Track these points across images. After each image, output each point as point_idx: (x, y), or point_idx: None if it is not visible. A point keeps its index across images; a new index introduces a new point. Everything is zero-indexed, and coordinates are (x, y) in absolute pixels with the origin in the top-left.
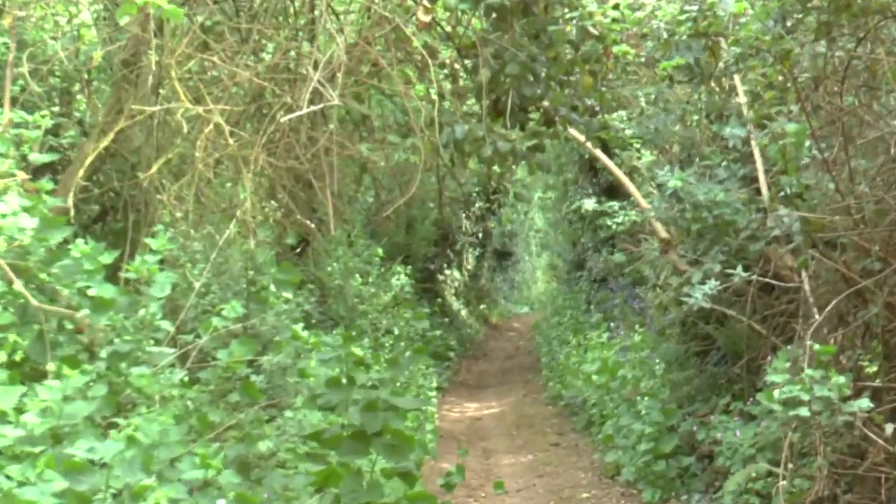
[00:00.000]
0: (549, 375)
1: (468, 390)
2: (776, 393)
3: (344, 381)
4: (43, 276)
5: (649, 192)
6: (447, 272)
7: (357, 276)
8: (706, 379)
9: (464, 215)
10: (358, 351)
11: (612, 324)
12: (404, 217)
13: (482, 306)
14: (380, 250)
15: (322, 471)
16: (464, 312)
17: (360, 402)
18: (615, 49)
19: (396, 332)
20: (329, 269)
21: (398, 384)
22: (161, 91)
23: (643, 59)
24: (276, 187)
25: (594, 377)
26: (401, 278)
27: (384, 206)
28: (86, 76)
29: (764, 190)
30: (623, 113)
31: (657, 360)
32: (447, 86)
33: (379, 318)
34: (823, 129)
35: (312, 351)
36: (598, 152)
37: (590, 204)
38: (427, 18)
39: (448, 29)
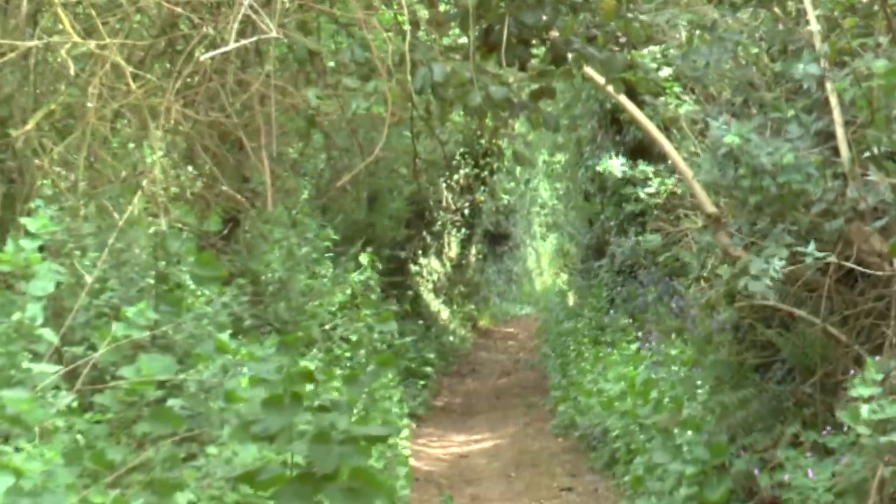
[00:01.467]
0: (559, 397)
1: (452, 418)
2: (863, 410)
3: (287, 402)
4: None
5: (692, 153)
6: (423, 261)
7: (303, 267)
8: (767, 401)
9: (445, 185)
10: (306, 364)
11: (641, 329)
12: (366, 188)
13: (470, 306)
14: (333, 233)
15: None
16: (445, 314)
17: (308, 432)
18: None
19: (355, 338)
20: (266, 258)
21: (359, 408)
22: (39, 21)
23: None
24: (194, 149)
25: (618, 400)
26: (362, 270)
27: (339, 174)
28: None
29: (843, 149)
30: (657, 48)
31: (702, 378)
32: (422, 11)
33: (332, 322)
34: None
35: (244, 365)
36: (624, 99)
37: (614, 167)
38: None
39: None
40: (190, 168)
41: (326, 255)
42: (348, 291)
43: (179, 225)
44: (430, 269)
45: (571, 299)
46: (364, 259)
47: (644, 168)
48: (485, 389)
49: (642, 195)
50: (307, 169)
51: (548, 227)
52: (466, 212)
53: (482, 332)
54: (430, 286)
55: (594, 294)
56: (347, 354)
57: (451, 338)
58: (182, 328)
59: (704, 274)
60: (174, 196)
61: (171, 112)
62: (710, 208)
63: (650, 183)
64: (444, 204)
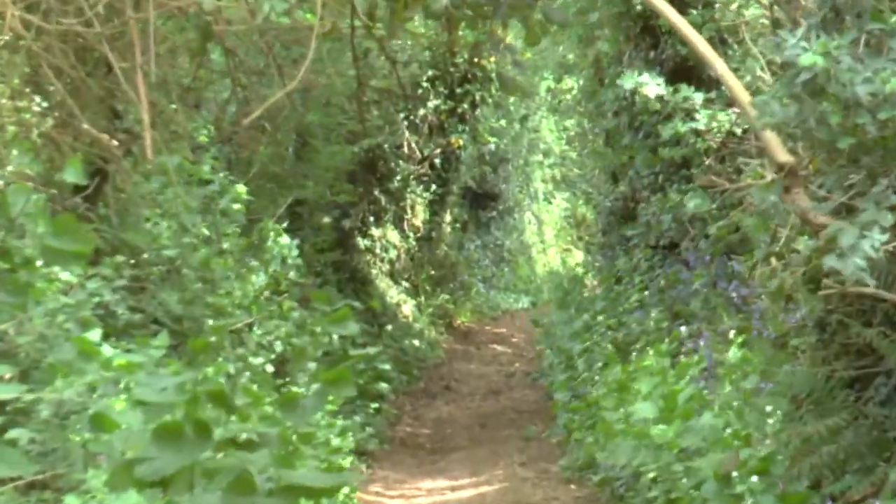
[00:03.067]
0: (571, 425)
1: (418, 456)
2: None
3: (189, 434)
4: None
5: (757, 78)
6: (375, 232)
7: (201, 240)
8: (866, 431)
9: (406, 125)
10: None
11: (685, 326)
12: (291, 129)
13: (443, 296)
14: (245, 192)
15: None
16: (408, 308)
17: (220, 478)
18: None
19: (279, 345)
20: (149, 227)
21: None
22: None
23: None
24: (41, 71)
25: (655, 428)
26: (286, 245)
27: (251, 108)
28: None
29: None
30: None
31: (772, 397)
32: None
33: (244, 319)
34: None
35: (122, 380)
36: (660, 1)
37: (647, 88)
38: None
39: None
40: (37, 99)
41: (235, 224)
42: (264, 277)
43: (23, 179)
44: (386, 243)
45: (588, 286)
46: (289, 231)
47: (689, 93)
48: (464, 415)
49: (687, 136)
50: (204, 101)
51: (554, 184)
52: (438, 162)
53: (461, 333)
54: (386, 268)
55: (620, 278)
56: (269, 366)
57: (416, 342)
58: (28, 328)
59: (775, 250)
60: (13, 138)
61: (7, 19)
62: (783, 156)
63: (698, 116)
64: (404, 151)
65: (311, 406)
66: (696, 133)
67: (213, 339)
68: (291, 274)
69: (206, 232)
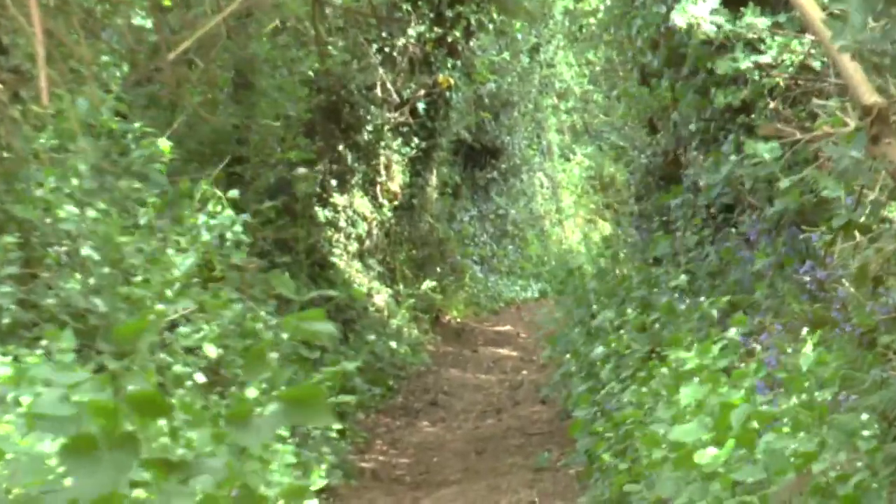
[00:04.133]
0: (595, 451)
1: (396, 493)
2: None
3: (108, 450)
4: None
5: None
6: (338, 200)
7: (115, 211)
8: None
9: (380, 59)
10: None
11: (747, 319)
12: (229, 65)
13: (428, 284)
14: (170, 147)
15: None
16: (381, 299)
17: None
18: None
19: (211, 349)
20: (41, 193)
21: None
22: None
23: None
24: None
25: (703, 454)
26: (226, 218)
27: (176, 38)
28: None
29: None
30: None
31: (859, 410)
32: None
33: (167, 314)
34: None
35: (8, 395)
36: None
37: (700, 16)
38: None
39: None
40: None
41: (156, 188)
42: (196, 257)
43: None
44: (353, 214)
45: (618, 269)
46: (226, 198)
47: (753, 19)
48: (455, 439)
49: (748, 72)
50: (115, 29)
51: (573, 136)
52: (421, 108)
53: (451, 331)
54: (353, 246)
55: (658, 257)
56: (198, 375)
57: (393, 343)
58: None
59: (860, 219)
60: None
61: None
62: (869, 96)
63: (765, 47)
64: (377, 94)
65: (268, 427)
66: (760, 68)
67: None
68: (229, 255)
69: (118, 200)
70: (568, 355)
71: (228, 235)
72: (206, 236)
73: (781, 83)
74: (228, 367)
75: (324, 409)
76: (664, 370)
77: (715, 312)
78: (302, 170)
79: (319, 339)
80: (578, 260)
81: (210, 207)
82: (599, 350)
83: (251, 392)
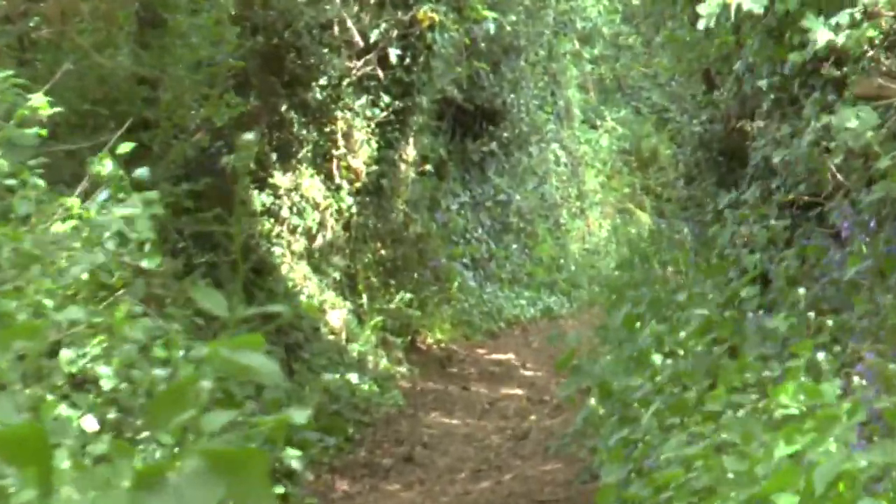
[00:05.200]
0: None
1: None
2: None
3: None
4: None
5: None
6: (281, 180)
7: None
8: None
9: None
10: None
11: (837, 344)
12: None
13: (401, 296)
14: (45, 105)
15: None
16: (338, 316)
17: None
18: None
19: (108, 381)
20: None
21: None
22: None
23: None
24: None
25: None
26: (131, 205)
27: None
28: None
29: None
30: None
31: None
32: None
33: (52, 333)
34: None
35: None
36: None
37: None
38: None
39: None
40: None
41: (32, 163)
42: (87, 260)
43: None
44: (301, 200)
45: (662, 273)
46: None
47: None
48: None
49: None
50: None
51: (602, 95)
52: (394, 55)
53: (434, 360)
54: (301, 244)
55: (720, 260)
56: (88, 420)
57: (354, 377)
58: None
59: None
60: None
61: None
62: None
63: None
64: (335, 34)
65: (195, 490)
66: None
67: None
68: (132, 257)
69: None
70: (592, 397)
71: (135, 233)
72: (102, 231)
73: (882, 28)
74: (130, 409)
75: (260, 482)
76: (736, 413)
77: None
78: (248, 135)
79: (257, 377)
80: (607, 264)
81: (110, 192)
82: (639, 385)
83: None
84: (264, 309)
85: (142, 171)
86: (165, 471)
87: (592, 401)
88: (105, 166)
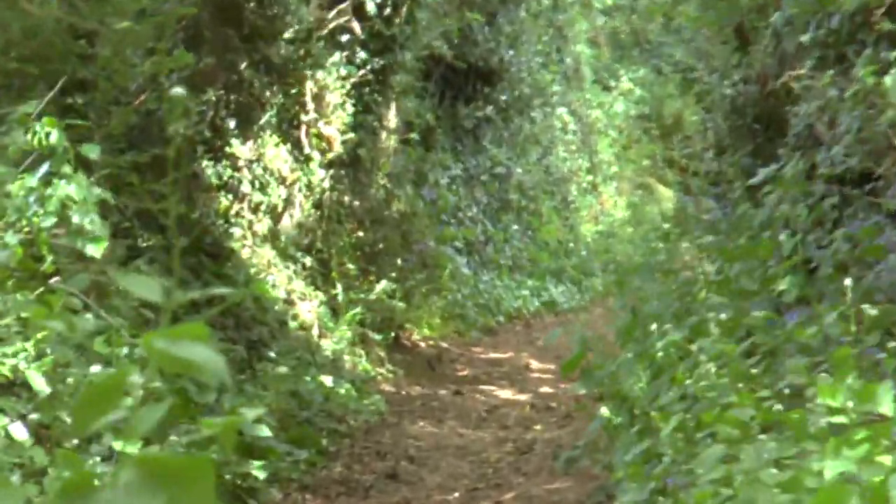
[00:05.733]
0: None
1: None
2: None
3: None
4: None
5: None
6: (239, 150)
7: None
8: None
9: None
10: None
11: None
12: None
13: (383, 286)
14: None
15: None
16: (309, 309)
17: None
18: None
19: (40, 382)
20: None
21: None
22: None
23: None
24: None
25: None
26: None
27: None
28: None
29: None
30: None
31: None
32: None
33: None
34: None
35: None
36: None
37: None
38: None
39: None
40: None
41: None
42: (15, 239)
43: None
44: (264, 173)
45: (686, 259)
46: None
47: None
48: None
49: None
50: None
51: (617, 52)
52: (372, 5)
53: (421, 360)
54: (264, 224)
55: (752, 245)
56: (17, 429)
57: (328, 379)
58: None
59: None
60: None
61: None
62: None
63: None
64: None
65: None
66: None
67: None
68: (71, 239)
69: None
70: (602, 407)
71: (74, 209)
72: (35, 209)
73: None
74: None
75: (205, 494)
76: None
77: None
78: (177, 90)
79: (199, 373)
80: (624, 248)
81: (50, 166)
82: (662, 392)
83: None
84: (207, 291)
85: (92, 149)
86: (94, 482)
87: (605, 409)
88: (33, 132)
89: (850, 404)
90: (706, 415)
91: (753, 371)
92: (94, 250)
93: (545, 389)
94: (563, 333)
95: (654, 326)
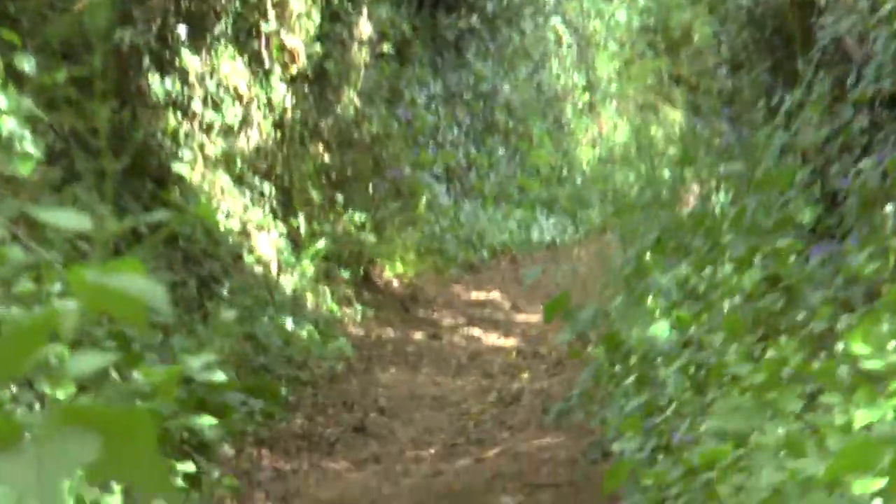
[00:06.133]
0: None
1: None
2: None
3: None
4: None
5: None
6: (189, 61)
7: None
8: None
9: None
10: None
11: None
12: None
13: (351, 216)
14: None
15: None
16: (267, 241)
17: None
18: None
19: None
20: None
21: None
22: None
23: None
24: None
25: None
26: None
27: None
28: None
29: None
30: None
31: None
32: None
33: None
34: None
35: None
36: None
37: None
38: None
39: None
40: None
41: None
42: None
43: None
44: (217, 89)
45: (694, 192)
46: None
47: None
48: (400, 496)
49: None
50: None
51: None
52: None
53: (393, 300)
54: (218, 148)
55: (771, 173)
56: None
57: (289, 321)
58: None
59: None
60: None
61: None
62: None
63: None
64: None
65: (56, 459)
66: None
67: None
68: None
69: None
70: (599, 351)
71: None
72: None
73: None
74: None
75: (145, 448)
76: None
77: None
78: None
79: (135, 310)
80: (625, 176)
81: None
82: (663, 333)
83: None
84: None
85: (23, 58)
86: (22, 431)
87: (599, 356)
88: None
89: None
90: (717, 362)
91: (772, 309)
92: (24, 169)
93: (534, 333)
94: (549, 271)
95: (656, 263)
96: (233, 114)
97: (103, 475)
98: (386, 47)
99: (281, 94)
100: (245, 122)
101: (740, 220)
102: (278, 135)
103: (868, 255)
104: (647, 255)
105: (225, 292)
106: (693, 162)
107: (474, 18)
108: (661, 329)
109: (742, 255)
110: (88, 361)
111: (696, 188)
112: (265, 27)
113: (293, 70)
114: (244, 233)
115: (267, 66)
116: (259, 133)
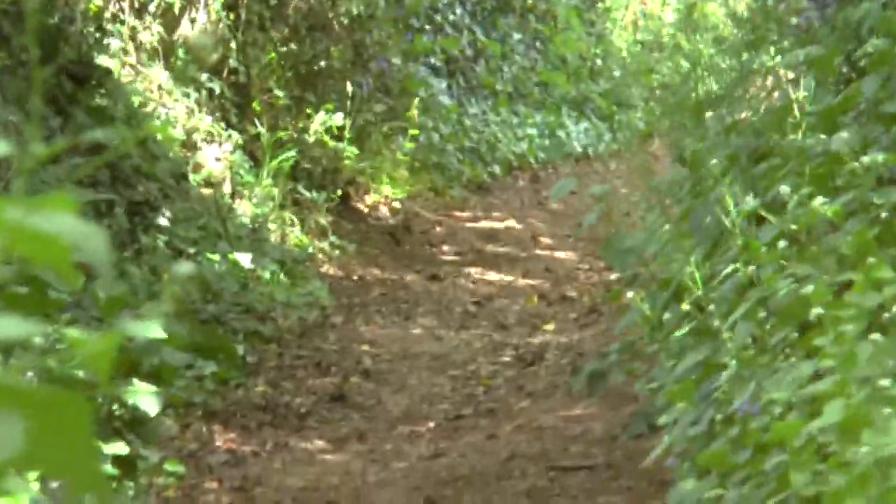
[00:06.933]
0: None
1: None
2: None
3: None
4: None
5: None
6: None
7: None
8: None
9: None
10: None
11: None
12: None
13: (322, 118)
14: None
15: None
16: (218, 156)
17: None
18: None
19: None
20: None
21: None
22: None
23: None
24: None
25: None
26: None
27: None
28: None
29: None
30: None
31: None
32: None
33: None
34: None
35: None
36: None
37: None
38: None
39: None
40: None
41: None
42: None
43: None
44: None
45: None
46: None
47: None
48: (390, 483)
49: None
50: None
51: None
52: None
53: (380, 230)
54: (154, 35)
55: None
56: None
57: (246, 258)
58: None
59: None
60: None
61: None
62: None
63: None
64: None
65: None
66: None
67: None
68: None
69: None
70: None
71: None
72: None
73: None
74: None
75: (79, 437)
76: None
77: None
78: None
79: (64, 263)
80: (675, 68)
81: None
82: (726, 275)
83: None
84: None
85: None
86: None
87: (643, 301)
88: None
89: None
90: (797, 303)
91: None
92: None
93: (561, 272)
94: (580, 186)
95: (717, 181)
96: None
97: (26, 466)
98: None
99: None
100: (189, 1)
101: (829, 120)
102: (231, 16)
103: None
104: (709, 173)
105: (164, 222)
106: (764, 47)
107: None
108: (721, 268)
109: (819, 169)
110: (12, 326)
111: (769, 79)
112: None
113: None
114: (188, 145)
115: None
116: (206, 15)
